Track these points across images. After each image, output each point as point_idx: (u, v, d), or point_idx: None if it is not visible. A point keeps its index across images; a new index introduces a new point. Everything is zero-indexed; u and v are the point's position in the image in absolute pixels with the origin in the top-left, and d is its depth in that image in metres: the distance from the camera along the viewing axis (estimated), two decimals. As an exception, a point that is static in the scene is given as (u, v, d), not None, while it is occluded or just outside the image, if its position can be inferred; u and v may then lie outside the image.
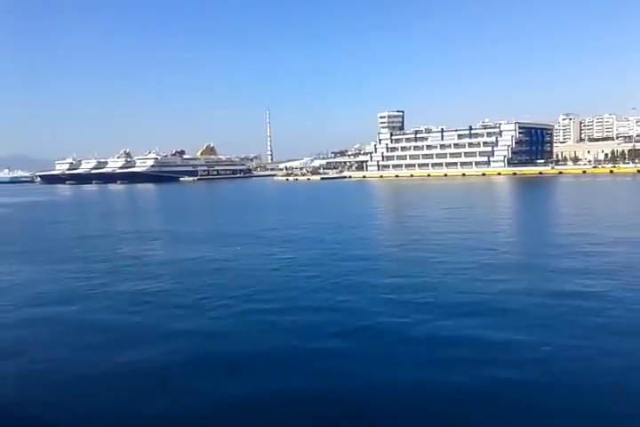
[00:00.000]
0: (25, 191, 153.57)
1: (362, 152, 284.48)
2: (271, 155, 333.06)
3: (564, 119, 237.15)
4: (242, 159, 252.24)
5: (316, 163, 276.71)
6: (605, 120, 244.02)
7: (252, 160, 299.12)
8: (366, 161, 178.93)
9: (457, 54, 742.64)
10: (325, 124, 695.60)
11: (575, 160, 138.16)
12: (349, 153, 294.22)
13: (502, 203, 61.09)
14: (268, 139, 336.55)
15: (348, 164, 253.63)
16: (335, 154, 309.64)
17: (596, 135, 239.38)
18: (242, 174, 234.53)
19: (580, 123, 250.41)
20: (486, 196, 75.12)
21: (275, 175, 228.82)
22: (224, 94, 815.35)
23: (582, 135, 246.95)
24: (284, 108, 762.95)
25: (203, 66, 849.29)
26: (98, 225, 47.94)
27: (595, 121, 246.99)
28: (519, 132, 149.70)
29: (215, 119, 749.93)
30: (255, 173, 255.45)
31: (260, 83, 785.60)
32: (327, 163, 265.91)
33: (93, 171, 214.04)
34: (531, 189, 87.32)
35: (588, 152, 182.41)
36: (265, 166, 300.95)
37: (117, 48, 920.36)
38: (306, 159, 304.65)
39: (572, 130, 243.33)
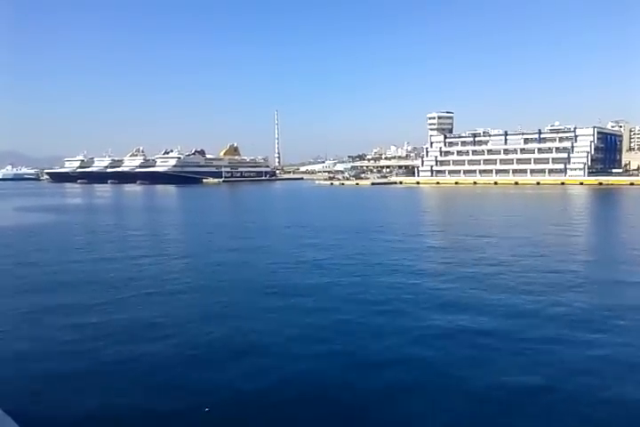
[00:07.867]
0: (43, 191, 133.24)
1: (383, 156, 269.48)
2: (279, 157, 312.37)
3: (612, 126, 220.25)
4: (266, 160, 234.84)
5: (339, 166, 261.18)
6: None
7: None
8: (417, 166, 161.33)
9: (465, 58, 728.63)
10: (327, 128, 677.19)
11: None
12: (369, 157, 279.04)
13: None
14: (276, 141, 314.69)
15: (368, 169, 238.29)
16: (353, 158, 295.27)
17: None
18: (267, 177, 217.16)
19: (630, 131, 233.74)
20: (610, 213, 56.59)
21: (302, 178, 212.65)
22: (227, 96, 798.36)
23: (631, 144, 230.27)
24: (284, 110, 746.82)
25: (205, 66, 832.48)
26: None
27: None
28: (597, 138, 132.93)
29: (215, 121, 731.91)
30: (279, 175, 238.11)
31: (262, 85, 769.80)
32: (352, 167, 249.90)
33: (109, 169, 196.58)
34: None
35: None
36: (282, 168, 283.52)
37: (119, 46, 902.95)
38: (328, 162, 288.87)
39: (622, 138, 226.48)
